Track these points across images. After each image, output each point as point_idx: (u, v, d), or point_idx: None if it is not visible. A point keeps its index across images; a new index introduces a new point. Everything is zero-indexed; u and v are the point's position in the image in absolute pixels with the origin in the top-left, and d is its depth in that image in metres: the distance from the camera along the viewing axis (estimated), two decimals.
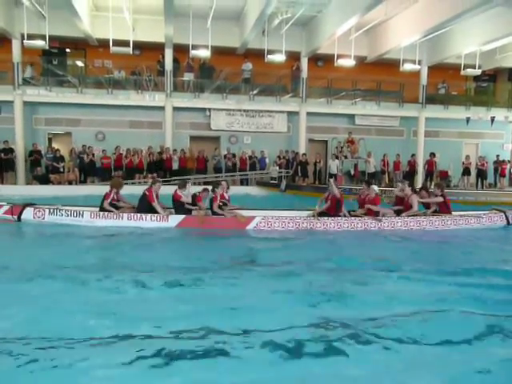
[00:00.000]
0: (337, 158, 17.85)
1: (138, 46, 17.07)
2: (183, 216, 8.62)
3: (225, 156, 17.93)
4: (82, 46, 18.27)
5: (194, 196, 8.94)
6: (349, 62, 16.34)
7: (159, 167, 17.12)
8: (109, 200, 8.68)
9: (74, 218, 8.55)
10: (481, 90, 21.83)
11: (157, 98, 17.66)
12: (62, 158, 16.49)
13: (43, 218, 8.54)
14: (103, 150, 16.90)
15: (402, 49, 17.29)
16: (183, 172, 16.89)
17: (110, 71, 17.75)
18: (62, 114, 17.41)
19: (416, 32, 15.97)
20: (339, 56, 16.46)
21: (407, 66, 17.43)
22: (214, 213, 8.79)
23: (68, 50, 18.74)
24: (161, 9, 14.60)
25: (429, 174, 18.76)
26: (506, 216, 9.59)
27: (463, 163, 19.33)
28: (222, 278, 5.30)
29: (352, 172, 18.22)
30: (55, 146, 17.47)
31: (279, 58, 15.83)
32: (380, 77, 19.24)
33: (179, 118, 18.21)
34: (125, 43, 14.88)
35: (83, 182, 16.56)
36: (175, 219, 8.55)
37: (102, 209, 8.68)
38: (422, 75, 19.90)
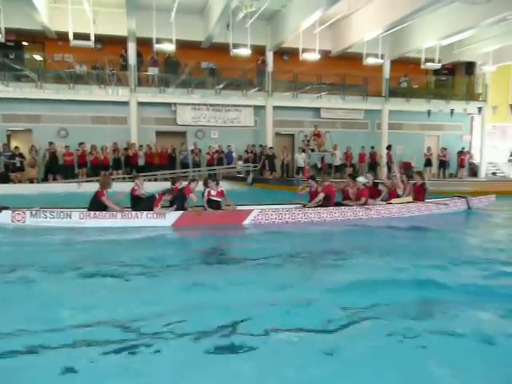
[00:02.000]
0: (304, 151, 18.03)
1: (100, 39, 16.63)
2: (181, 212, 8.37)
3: (192, 151, 17.81)
4: (41, 39, 17.64)
5: (183, 188, 8.65)
6: (313, 56, 16.47)
7: (125, 163, 16.88)
8: (105, 197, 8.15)
9: (60, 219, 7.98)
10: (440, 84, 22.52)
11: (120, 93, 17.32)
12: (20, 156, 15.93)
13: (24, 222, 7.92)
14: (66, 147, 16.44)
15: (365, 43, 17.60)
16: (150, 168, 16.68)
17: (70, 65, 17.24)
18: (20, 110, 16.80)
19: (378, 26, 16.30)
20: (304, 50, 16.55)
21: (370, 60, 17.73)
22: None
23: (25, 44, 18.04)
24: (122, 1, 14.28)
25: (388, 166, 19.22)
26: (467, 201, 10.87)
27: (425, 154, 19.91)
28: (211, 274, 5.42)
29: (319, 165, 18.44)
30: (15, 143, 16.87)
31: (244, 51, 15.77)
32: (344, 70, 19.53)
33: (144, 113, 17.93)
34: (86, 36, 14.46)
35: (45, 179, 16.10)
36: (172, 216, 8.29)
37: (93, 208, 8.17)
38: (384, 69, 20.33)
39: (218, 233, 8.13)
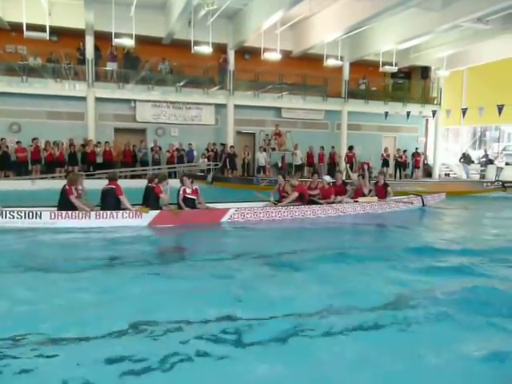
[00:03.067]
0: (264, 150, 18.16)
1: (56, 31, 16.10)
2: (157, 212, 8.17)
3: (152, 149, 17.54)
4: None
5: (153, 187, 8.43)
6: (275, 56, 16.57)
7: (82, 160, 16.42)
8: (74, 195, 7.78)
9: (29, 219, 7.53)
10: (397, 87, 23.20)
11: (77, 88, 16.80)
12: None
13: None
14: (18, 142, 15.78)
15: (325, 45, 17.87)
16: (108, 165, 16.27)
17: (24, 57, 16.56)
18: None
19: (338, 29, 16.61)
20: (265, 50, 16.62)
21: (330, 62, 18.03)
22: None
23: None
24: None
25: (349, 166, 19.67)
26: (422, 199, 11.50)
27: (382, 155, 20.48)
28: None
29: (279, 164, 18.62)
30: None
31: (206, 49, 15.68)
32: (305, 71, 19.79)
33: (102, 109, 17.46)
34: (41, 28, 13.95)
35: None
36: (149, 216, 8.07)
37: (63, 207, 7.78)
38: (344, 71, 20.71)
39: (195, 231, 8.06)
